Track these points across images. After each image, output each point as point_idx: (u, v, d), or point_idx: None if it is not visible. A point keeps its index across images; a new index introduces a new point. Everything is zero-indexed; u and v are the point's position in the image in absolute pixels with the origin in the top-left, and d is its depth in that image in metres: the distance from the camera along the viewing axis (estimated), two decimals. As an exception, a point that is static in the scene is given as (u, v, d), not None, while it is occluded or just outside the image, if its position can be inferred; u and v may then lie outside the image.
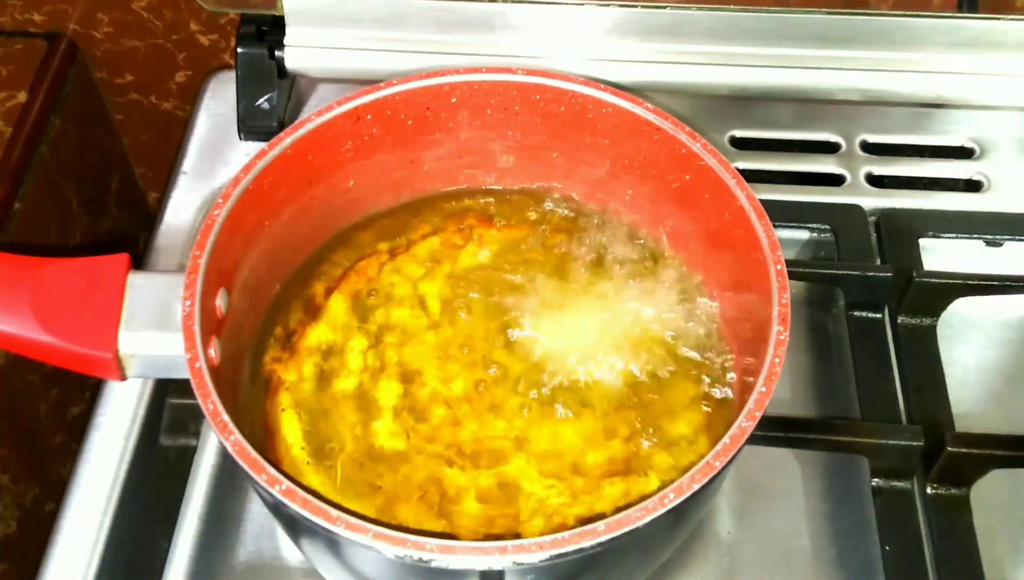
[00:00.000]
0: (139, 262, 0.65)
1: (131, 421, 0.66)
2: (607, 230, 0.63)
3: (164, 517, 0.62)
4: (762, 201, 0.55)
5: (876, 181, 0.78)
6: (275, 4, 0.74)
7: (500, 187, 0.65)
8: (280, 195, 0.58)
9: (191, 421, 0.65)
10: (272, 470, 0.46)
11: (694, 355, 0.58)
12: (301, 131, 0.57)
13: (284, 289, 0.61)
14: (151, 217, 0.77)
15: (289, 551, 0.62)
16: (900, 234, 0.73)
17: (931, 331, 0.69)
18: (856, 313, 0.70)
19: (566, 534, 0.44)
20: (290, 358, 0.58)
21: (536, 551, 0.44)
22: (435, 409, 0.56)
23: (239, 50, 0.76)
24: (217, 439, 0.52)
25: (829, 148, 0.80)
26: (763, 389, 0.49)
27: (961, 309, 0.70)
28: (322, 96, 0.82)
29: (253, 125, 0.78)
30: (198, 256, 0.52)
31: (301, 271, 0.62)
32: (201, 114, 0.82)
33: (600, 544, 0.45)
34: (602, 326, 0.58)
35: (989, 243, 0.74)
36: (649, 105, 0.59)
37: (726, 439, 0.47)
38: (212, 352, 0.52)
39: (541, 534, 0.45)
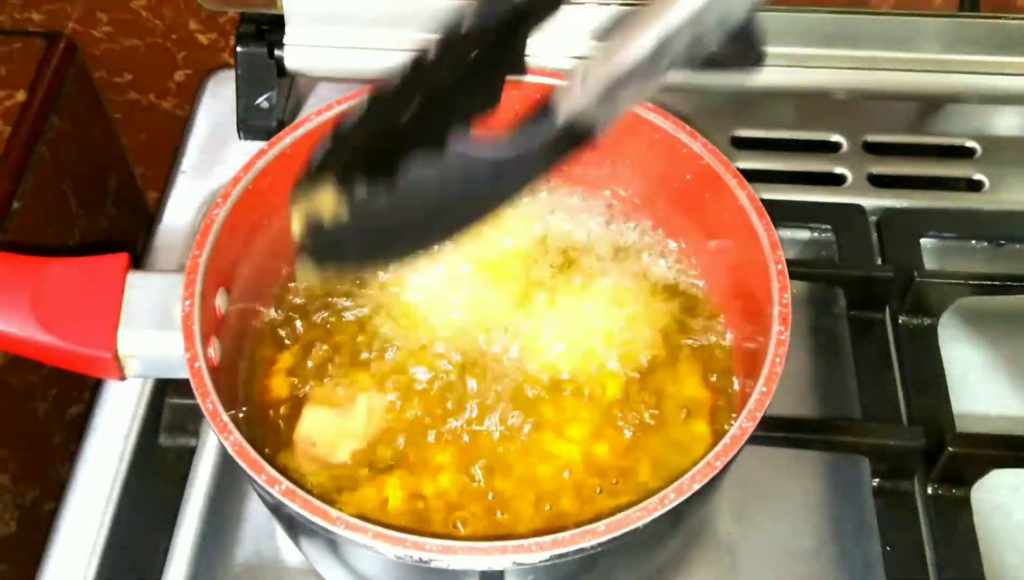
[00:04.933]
0: (138, 262, 0.65)
1: (130, 421, 0.66)
2: (607, 230, 0.62)
3: (164, 517, 0.62)
4: (763, 201, 0.55)
5: (877, 181, 0.78)
6: (275, 3, 0.74)
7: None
8: (280, 194, 0.58)
9: (191, 421, 0.65)
10: (272, 470, 0.46)
11: (693, 355, 0.58)
12: (301, 130, 0.57)
13: (283, 288, 0.61)
14: (150, 217, 0.77)
15: (289, 551, 0.62)
16: (901, 234, 0.73)
17: (932, 331, 0.69)
18: (857, 313, 0.70)
19: (566, 534, 0.44)
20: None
21: (536, 551, 0.44)
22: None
23: (239, 49, 0.76)
24: (217, 439, 0.52)
25: (830, 148, 0.80)
26: (763, 389, 0.49)
27: (962, 309, 0.70)
28: (322, 95, 0.82)
29: (253, 124, 0.78)
30: (198, 256, 0.52)
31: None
32: (200, 113, 0.82)
33: (600, 544, 0.45)
34: (601, 326, 0.58)
35: (990, 243, 0.74)
36: (649, 105, 0.58)
37: (726, 439, 0.47)
38: (212, 352, 0.52)
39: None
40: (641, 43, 0.39)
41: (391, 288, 0.60)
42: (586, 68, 0.40)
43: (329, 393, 0.56)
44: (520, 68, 0.47)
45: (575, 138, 0.41)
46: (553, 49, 0.75)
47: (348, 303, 0.59)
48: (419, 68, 0.44)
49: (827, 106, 0.80)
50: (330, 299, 0.60)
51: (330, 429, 0.54)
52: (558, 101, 0.41)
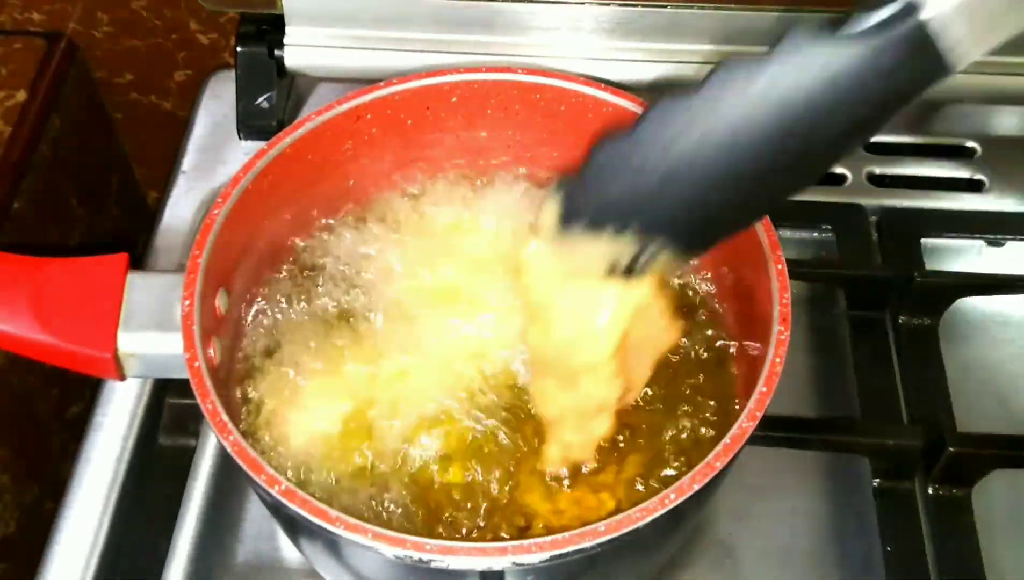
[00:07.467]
0: (138, 262, 0.65)
1: (131, 421, 0.66)
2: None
3: (164, 517, 0.62)
4: (763, 201, 0.55)
5: (877, 181, 0.78)
6: (275, 3, 0.74)
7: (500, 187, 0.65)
8: (280, 194, 0.58)
9: (191, 421, 0.65)
10: (272, 470, 0.46)
11: (693, 355, 0.58)
12: (301, 130, 0.57)
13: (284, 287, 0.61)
14: (151, 217, 0.77)
15: (289, 551, 0.62)
16: (901, 234, 0.73)
17: (932, 331, 0.69)
18: (857, 313, 0.70)
19: (566, 534, 0.44)
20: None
21: (536, 551, 0.44)
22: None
23: (239, 49, 0.76)
24: (216, 439, 0.52)
25: (830, 148, 0.80)
26: (763, 389, 0.49)
27: (962, 309, 0.70)
28: (322, 95, 0.82)
29: (253, 124, 0.78)
30: (198, 256, 0.52)
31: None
32: (201, 113, 0.82)
33: (600, 544, 0.45)
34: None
35: (990, 243, 0.74)
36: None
37: (726, 439, 0.47)
38: (211, 352, 0.52)
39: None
40: None
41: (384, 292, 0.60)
42: None
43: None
44: None
45: (927, 59, 0.33)
46: (554, 49, 0.75)
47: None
48: None
49: (827, 106, 0.80)
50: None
51: None
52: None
